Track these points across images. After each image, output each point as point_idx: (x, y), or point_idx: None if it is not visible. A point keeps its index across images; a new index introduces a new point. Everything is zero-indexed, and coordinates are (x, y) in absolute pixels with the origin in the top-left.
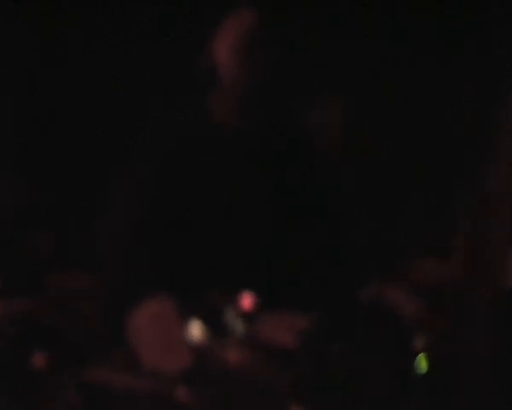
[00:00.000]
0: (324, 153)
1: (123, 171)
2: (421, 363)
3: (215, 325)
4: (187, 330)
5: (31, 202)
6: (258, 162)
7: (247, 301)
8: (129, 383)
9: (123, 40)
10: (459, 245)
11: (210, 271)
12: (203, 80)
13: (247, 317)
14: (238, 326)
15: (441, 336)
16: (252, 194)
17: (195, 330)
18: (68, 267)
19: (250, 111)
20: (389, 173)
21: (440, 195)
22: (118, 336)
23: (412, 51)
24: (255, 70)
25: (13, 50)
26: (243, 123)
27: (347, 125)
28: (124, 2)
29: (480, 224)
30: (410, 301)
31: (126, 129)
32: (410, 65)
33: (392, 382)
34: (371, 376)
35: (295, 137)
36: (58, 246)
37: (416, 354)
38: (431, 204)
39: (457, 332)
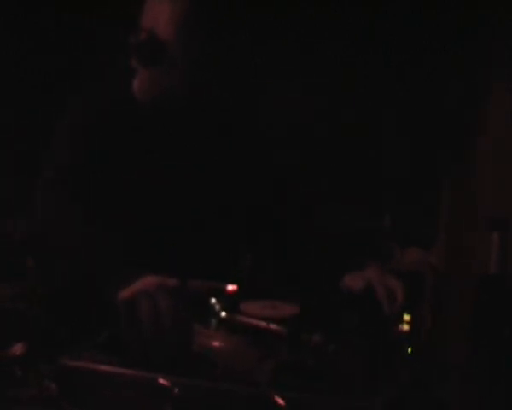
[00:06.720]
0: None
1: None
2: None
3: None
4: None
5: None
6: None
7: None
8: (109, 369)
9: None
10: (441, 233)
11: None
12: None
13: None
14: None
15: (422, 324)
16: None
17: None
18: None
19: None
20: (374, 164)
21: (422, 185)
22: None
23: (410, 50)
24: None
25: None
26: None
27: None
28: None
29: (460, 212)
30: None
31: None
32: (407, 64)
33: (374, 370)
34: (353, 365)
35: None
36: None
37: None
38: (414, 194)
39: (438, 320)
